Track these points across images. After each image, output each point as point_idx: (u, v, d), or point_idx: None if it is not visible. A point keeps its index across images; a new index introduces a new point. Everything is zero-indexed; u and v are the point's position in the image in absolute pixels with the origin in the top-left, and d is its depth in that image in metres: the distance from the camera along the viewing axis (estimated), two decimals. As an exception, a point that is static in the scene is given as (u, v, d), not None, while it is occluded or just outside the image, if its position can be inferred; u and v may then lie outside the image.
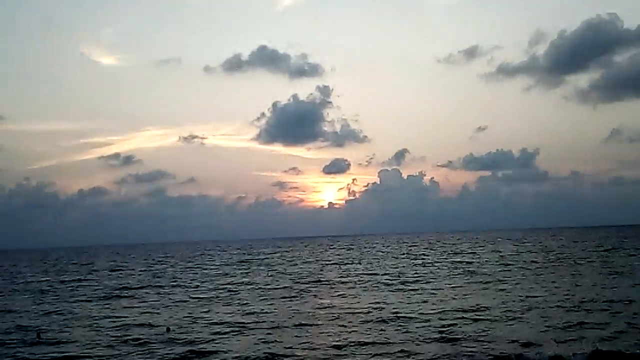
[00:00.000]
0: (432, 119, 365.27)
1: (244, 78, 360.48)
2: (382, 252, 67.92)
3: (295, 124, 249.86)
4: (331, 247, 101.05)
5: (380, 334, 15.42)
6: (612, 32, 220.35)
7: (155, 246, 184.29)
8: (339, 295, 24.21)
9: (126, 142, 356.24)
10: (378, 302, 21.18)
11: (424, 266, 39.55)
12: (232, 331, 16.83)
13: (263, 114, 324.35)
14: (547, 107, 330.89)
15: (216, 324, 18.24)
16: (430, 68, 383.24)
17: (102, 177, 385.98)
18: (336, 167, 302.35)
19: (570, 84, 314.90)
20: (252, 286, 29.41)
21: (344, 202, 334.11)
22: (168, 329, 17.65)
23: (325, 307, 20.65)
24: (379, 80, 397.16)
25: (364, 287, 26.97)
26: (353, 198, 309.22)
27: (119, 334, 16.95)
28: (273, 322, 17.98)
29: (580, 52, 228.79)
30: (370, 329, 16.32)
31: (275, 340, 15.11)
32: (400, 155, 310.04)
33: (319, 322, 17.62)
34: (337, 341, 14.65)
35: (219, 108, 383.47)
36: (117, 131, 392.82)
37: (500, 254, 50.93)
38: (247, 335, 16.06)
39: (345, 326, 16.78)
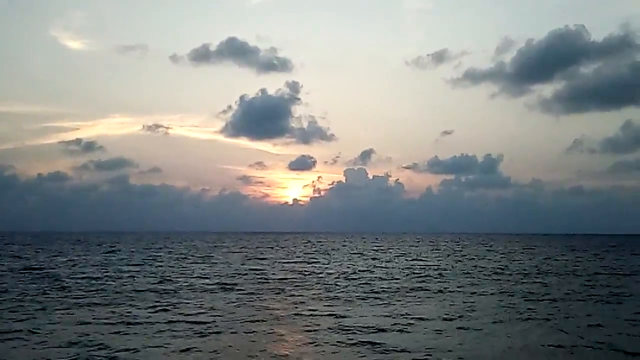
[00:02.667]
0: (399, 120, 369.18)
1: (212, 69, 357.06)
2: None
3: (262, 119, 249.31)
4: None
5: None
6: (579, 43, 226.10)
7: (112, 235, 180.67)
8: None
9: (90, 128, 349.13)
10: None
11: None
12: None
13: (230, 107, 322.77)
14: (512, 114, 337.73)
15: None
16: (399, 70, 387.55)
17: (62, 163, 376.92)
18: (302, 164, 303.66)
19: (534, 93, 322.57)
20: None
21: (308, 199, 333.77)
22: None
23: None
24: (348, 79, 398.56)
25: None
26: (318, 195, 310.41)
27: None
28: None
29: (546, 62, 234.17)
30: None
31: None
32: (366, 155, 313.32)
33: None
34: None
35: (184, 98, 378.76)
36: (81, 117, 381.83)
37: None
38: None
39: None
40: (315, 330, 15.63)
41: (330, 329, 15.86)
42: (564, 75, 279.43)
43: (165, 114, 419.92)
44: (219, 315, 18.00)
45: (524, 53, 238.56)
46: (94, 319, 17.20)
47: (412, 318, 17.71)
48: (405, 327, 16.26)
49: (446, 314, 18.64)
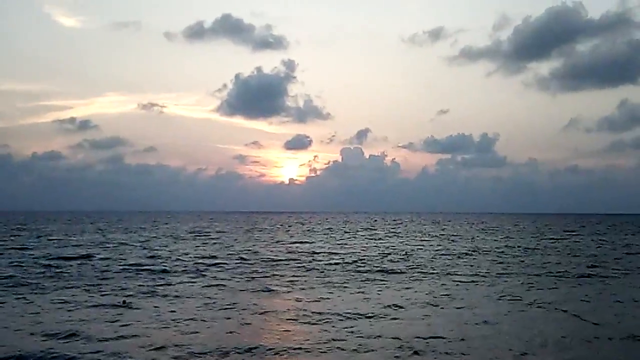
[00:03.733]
0: (395, 99, 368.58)
1: (206, 47, 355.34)
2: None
3: (257, 98, 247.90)
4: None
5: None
6: (576, 21, 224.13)
7: (108, 214, 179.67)
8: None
9: (84, 107, 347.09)
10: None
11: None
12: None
13: (225, 86, 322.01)
14: (508, 93, 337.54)
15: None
16: (395, 47, 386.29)
17: (57, 142, 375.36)
18: (298, 143, 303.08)
19: (531, 71, 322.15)
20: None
21: (304, 178, 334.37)
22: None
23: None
24: (344, 56, 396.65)
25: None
26: (314, 175, 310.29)
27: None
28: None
29: (543, 40, 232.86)
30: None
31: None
32: (362, 134, 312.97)
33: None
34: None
35: (179, 77, 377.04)
36: (75, 95, 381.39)
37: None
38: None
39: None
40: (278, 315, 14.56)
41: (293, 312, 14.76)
42: (561, 53, 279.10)
43: (160, 92, 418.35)
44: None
45: (521, 30, 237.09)
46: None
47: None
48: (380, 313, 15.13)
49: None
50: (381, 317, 14.30)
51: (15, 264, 25.77)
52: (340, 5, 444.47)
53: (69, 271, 23.27)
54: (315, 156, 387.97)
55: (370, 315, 14.53)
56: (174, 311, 14.87)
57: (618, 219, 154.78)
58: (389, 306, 15.77)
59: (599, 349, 11.51)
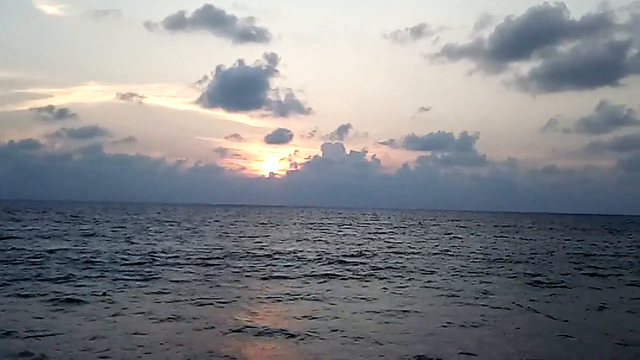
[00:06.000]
0: (376, 95, 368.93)
1: (187, 37, 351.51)
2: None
3: (238, 90, 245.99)
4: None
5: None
6: (558, 21, 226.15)
7: (85, 205, 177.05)
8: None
9: (63, 96, 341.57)
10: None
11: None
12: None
13: (205, 77, 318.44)
14: (489, 92, 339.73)
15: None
16: (377, 43, 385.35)
17: (34, 130, 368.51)
18: (279, 137, 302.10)
19: (511, 71, 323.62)
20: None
21: (285, 173, 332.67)
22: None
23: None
24: (326, 51, 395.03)
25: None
26: (294, 169, 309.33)
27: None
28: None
29: (524, 39, 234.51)
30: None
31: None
32: (343, 130, 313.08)
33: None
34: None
35: (159, 67, 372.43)
36: (54, 83, 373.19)
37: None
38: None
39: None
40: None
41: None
42: (542, 54, 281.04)
43: (140, 82, 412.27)
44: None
45: (503, 29, 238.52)
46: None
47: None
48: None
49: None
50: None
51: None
52: (323, 0, 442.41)
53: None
54: (295, 151, 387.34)
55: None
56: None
57: (594, 220, 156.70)
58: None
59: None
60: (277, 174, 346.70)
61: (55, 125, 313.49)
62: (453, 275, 22.61)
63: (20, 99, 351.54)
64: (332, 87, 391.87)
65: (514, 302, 16.68)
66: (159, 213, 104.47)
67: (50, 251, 26.84)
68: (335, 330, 12.30)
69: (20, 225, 49.74)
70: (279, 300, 15.92)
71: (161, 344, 10.85)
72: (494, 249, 37.36)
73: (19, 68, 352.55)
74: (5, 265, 21.48)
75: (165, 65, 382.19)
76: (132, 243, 33.50)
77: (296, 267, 23.70)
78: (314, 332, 12.12)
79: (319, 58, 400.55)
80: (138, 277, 19.47)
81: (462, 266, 25.86)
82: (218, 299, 15.79)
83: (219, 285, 18.31)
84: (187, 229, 50.92)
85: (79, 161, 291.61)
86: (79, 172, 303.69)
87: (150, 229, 50.05)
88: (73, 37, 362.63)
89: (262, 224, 70.05)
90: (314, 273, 21.91)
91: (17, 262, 22.69)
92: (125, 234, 41.26)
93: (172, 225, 57.49)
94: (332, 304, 15.52)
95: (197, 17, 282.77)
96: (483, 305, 16.13)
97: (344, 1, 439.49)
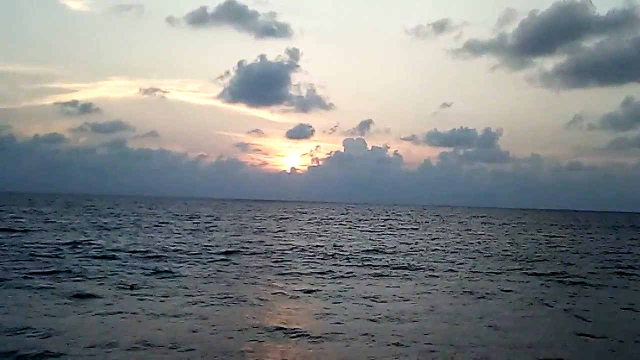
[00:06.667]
0: (398, 91, 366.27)
1: (209, 33, 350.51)
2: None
3: (260, 85, 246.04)
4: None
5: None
6: (583, 16, 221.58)
7: (107, 199, 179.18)
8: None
9: (87, 91, 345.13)
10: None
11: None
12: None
13: (227, 73, 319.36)
14: (512, 88, 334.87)
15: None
16: (398, 39, 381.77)
17: (59, 124, 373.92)
18: (300, 132, 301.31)
19: (535, 67, 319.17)
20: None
21: (306, 168, 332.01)
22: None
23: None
24: (347, 46, 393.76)
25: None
26: (316, 165, 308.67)
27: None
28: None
29: (549, 35, 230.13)
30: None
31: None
32: (364, 126, 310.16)
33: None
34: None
35: (182, 62, 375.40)
36: (78, 78, 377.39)
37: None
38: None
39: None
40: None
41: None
42: (566, 49, 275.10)
43: (163, 77, 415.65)
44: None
45: (527, 25, 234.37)
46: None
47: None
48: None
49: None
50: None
51: None
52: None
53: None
54: (317, 146, 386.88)
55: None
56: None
57: (619, 217, 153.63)
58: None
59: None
60: (298, 169, 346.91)
61: (79, 119, 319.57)
62: (475, 272, 22.08)
63: (45, 94, 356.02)
64: (354, 82, 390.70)
65: (541, 301, 16.20)
66: (180, 207, 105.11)
67: (72, 244, 26.92)
68: (343, 332, 11.89)
69: (44, 218, 50.31)
70: (297, 298, 15.62)
71: (175, 343, 10.60)
72: (518, 246, 36.63)
73: (44, 63, 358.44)
74: (27, 259, 21.51)
75: (188, 61, 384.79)
76: (152, 237, 33.55)
77: (315, 263, 23.38)
78: (333, 332, 11.75)
79: (340, 53, 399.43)
80: (155, 272, 19.33)
81: (484, 264, 25.28)
82: (234, 296, 15.52)
83: (235, 282, 18.08)
84: (207, 223, 51.00)
85: (103, 155, 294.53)
86: (102, 166, 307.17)
87: (169, 223, 50.21)
88: (97, 32, 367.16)
89: (283, 218, 69.95)
90: (333, 270, 21.55)
91: (37, 255, 22.78)
92: (146, 228, 41.43)
93: (192, 220, 57.64)
94: (351, 303, 15.17)
95: (219, 13, 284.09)
96: (508, 301, 15.73)
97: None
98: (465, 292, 17.45)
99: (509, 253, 31.08)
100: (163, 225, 46.57)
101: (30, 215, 54.80)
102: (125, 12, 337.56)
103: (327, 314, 13.56)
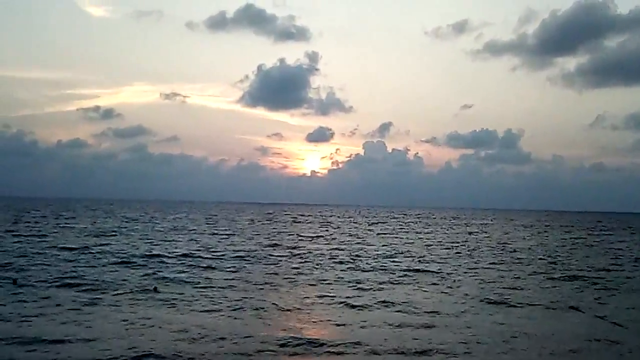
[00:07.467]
0: (417, 93, 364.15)
1: (228, 37, 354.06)
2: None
3: (280, 89, 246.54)
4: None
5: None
6: (604, 15, 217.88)
7: (129, 203, 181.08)
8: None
9: (109, 96, 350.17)
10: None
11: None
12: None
13: (247, 77, 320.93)
14: (533, 88, 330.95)
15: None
16: (417, 40, 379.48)
17: (81, 130, 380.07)
18: (320, 136, 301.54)
19: (557, 67, 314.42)
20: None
21: (326, 171, 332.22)
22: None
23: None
24: (366, 49, 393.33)
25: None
26: (336, 168, 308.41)
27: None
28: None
29: (570, 34, 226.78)
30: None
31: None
32: (384, 128, 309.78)
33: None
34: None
35: (201, 67, 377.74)
36: (100, 84, 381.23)
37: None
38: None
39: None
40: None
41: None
42: (588, 49, 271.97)
43: (183, 82, 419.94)
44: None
45: (548, 24, 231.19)
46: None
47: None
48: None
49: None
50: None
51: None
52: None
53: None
54: (337, 149, 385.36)
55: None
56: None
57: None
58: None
59: None
60: (318, 172, 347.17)
61: (102, 125, 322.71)
62: (503, 278, 21.45)
63: (68, 100, 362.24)
64: (373, 85, 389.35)
65: (574, 307, 15.61)
66: (201, 211, 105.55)
67: (94, 249, 26.96)
68: (367, 342, 11.46)
69: (65, 222, 50.79)
70: (316, 305, 15.26)
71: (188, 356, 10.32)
72: (547, 248, 35.84)
73: (67, 69, 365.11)
74: (49, 264, 21.52)
75: (207, 65, 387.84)
76: (172, 241, 33.52)
77: (336, 269, 22.94)
78: (353, 342, 11.31)
79: (359, 55, 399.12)
80: (174, 277, 19.16)
81: (511, 269, 24.65)
82: (253, 303, 15.15)
83: (253, 288, 17.77)
84: (226, 228, 50.95)
85: (125, 160, 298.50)
86: (125, 171, 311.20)
87: (190, 227, 50.28)
88: (118, 38, 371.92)
89: (302, 222, 69.68)
90: (355, 276, 21.10)
91: (61, 259, 22.84)
92: (165, 232, 41.50)
93: (213, 224, 57.68)
94: (374, 311, 14.78)
95: (238, 17, 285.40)
96: (540, 308, 15.26)
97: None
98: (494, 298, 16.88)
99: (537, 257, 30.32)
100: (186, 228, 46.65)
101: (55, 220, 55.34)
102: (146, 18, 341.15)
103: (349, 322, 13.13)
